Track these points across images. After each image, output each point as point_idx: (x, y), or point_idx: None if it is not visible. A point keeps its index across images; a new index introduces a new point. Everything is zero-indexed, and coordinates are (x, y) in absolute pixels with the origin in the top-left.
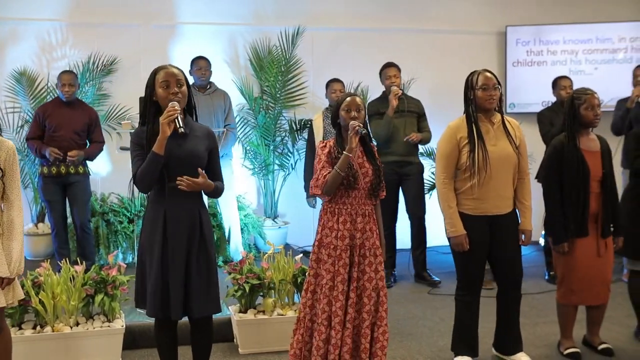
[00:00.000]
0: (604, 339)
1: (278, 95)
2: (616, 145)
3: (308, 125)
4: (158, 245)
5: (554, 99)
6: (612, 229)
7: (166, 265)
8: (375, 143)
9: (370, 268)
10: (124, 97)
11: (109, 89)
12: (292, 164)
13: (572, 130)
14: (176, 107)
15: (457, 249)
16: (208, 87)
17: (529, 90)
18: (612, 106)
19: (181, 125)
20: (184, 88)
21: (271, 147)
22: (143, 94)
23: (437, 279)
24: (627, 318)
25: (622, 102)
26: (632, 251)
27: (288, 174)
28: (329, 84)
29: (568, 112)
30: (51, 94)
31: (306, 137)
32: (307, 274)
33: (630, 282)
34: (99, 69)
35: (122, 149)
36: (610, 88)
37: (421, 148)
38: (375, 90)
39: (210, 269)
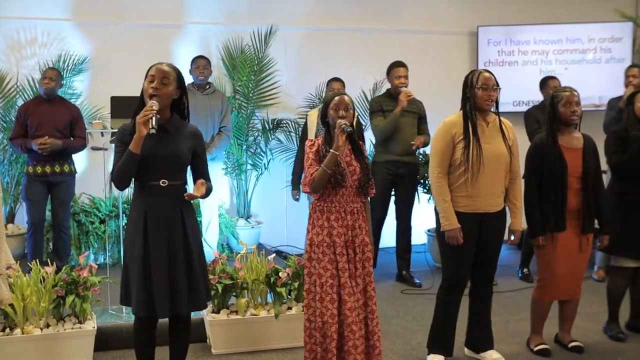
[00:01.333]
0: (574, 335)
1: (251, 95)
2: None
3: (289, 123)
4: (139, 244)
5: (525, 98)
6: (596, 226)
7: (148, 263)
8: (372, 141)
9: (359, 264)
10: (95, 96)
11: (79, 88)
12: (265, 164)
13: (552, 128)
14: (153, 107)
15: (452, 242)
16: (207, 87)
17: (501, 90)
18: (584, 106)
19: (153, 125)
20: (169, 88)
21: (244, 147)
22: (114, 94)
23: (418, 281)
24: (596, 315)
25: (614, 101)
26: (614, 248)
27: (261, 174)
28: (328, 83)
29: (549, 110)
30: (20, 93)
31: (279, 136)
32: (305, 274)
33: (611, 278)
34: (69, 68)
35: (94, 148)
36: (580, 88)
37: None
38: (347, 89)
39: (194, 265)
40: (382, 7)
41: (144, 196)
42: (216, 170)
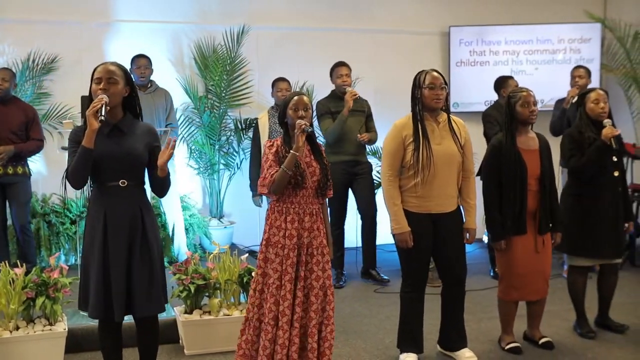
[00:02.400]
0: (544, 333)
1: (223, 94)
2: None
3: (253, 124)
4: (98, 246)
5: (496, 98)
6: (550, 225)
7: (107, 265)
8: (322, 142)
9: (318, 267)
10: (65, 96)
11: (49, 87)
12: (237, 164)
13: (511, 129)
14: (103, 99)
15: (402, 246)
16: (149, 85)
17: (472, 90)
18: (552, 106)
19: (102, 114)
20: (118, 86)
21: (216, 147)
22: (85, 93)
23: (385, 277)
24: (566, 312)
25: (560, 102)
26: (570, 247)
27: (234, 174)
28: (274, 83)
29: (506, 110)
30: None
31: (252, 136)
32: (254, 273)
33: (570, 277)
34: (39, 67)
35: (64, 148)
36: (550, 88)
37: (367, 148)
38: (320, 89)
39: (153, 268)
40: (355, 7)
41: (103, 197)
42: (171, 167)
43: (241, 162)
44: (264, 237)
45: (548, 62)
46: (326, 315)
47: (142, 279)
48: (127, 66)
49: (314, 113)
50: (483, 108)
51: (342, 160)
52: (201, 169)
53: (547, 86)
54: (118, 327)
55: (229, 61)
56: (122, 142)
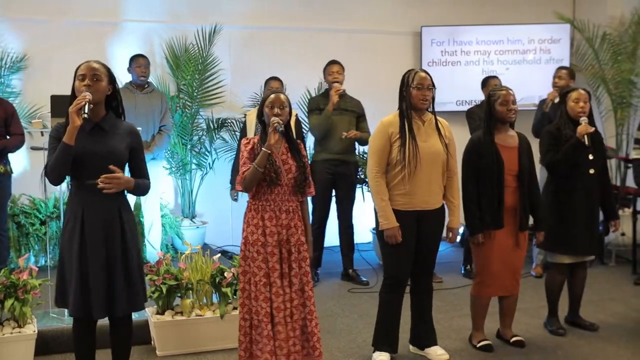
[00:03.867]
0: (515, 330)
1: (195, 94)
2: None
3: (233, 122)
4: (76, 244)
5: (468, 97)
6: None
7: (85, 264)
8: (312, 139)
9: (295, 264)
10: (34, 95)
11: (18, 86)
12: (209, 163)
13: (489, 126)
14: (86, 97)
15: (391, 241)
16: (146, 86)
17: (444, 90)
18: (524, 105)
19: (85, 112)
20: (102, 83)
21: (188, 146)
22: (55, 92)
23: (364, 279)
24: (537, 310)
25: (543, 103)
26: (550, 244)
27: (206, 174)
28: (266, 82)
29: (486, 108)
30: None
31: (224, 136)
32: (239, 272)
33: (548, 275)
34: (7, 65)
35: (33, 148)
36: (520, 88)
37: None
38: (293, 89)
39: (132, 266)
40: (327, 7)
41: (81, 195)
42: (157, 169)
43: (213, 162)
44: (243, 236)
45: (519, 62)
46: (308, 310)
47: (121, 277)
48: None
49: (307, 110)
50: (455, 108)
51: (326, 158)
52: (173, 169)
53: (518, 86)
54: (93, 328)
55: (200, 60)
56: (103, 140)
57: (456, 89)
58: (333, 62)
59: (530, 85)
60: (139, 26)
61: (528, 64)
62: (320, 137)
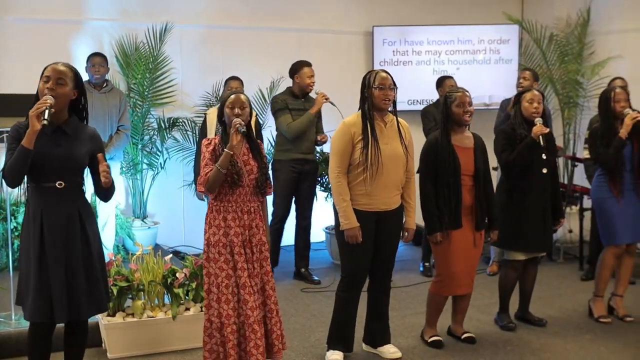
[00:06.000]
0: (467, 326)
1: (146, 93)
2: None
3: (185, 121)
4: (36, 247)
5: (419, 97)
6: (487, 222)
7: (45, 266)
8: (270, 139)
9: (256, 264)
10: None
11: None
12: (161, 163)
13: (446, 127)
14: (47, 100)
15: (351, 241)
16: (104, 85)
17: (397, 90)
18: (475, 105)
19: (45, 117)
20: (66, 88)
21: (139, 146)
22: (1, 92)
23: (317, 278)
24: (487, 307)
25: (506, 102)
26: (504, 242)
27: (157, 173)
28: (226, 82)
29: (442, 110)
30: None
31: (175, 135)
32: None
33: (502, 271)
34: None
35: None
36: (471, 88)
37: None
38: (245, 88)
39: (94, 267)
40: (280, 6)
41: (40, 198)
42: (115, 169)
43: (165, 162)
44: (204, 237)
45: (469, 62)
46: (268, 309)
47: (84, 279)
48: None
49: (264, 111)
50: (406, 107)
51: (293, 158)
52: (124, 169)
53: (468, 85)
54: (51, 332)
55: (151, 59)
56: (64, 144)
57: (408, 88)
58: (308, 64)
59: (481, 84)
60: (88, 24)
61: (478, 63)
62: (295, 138)
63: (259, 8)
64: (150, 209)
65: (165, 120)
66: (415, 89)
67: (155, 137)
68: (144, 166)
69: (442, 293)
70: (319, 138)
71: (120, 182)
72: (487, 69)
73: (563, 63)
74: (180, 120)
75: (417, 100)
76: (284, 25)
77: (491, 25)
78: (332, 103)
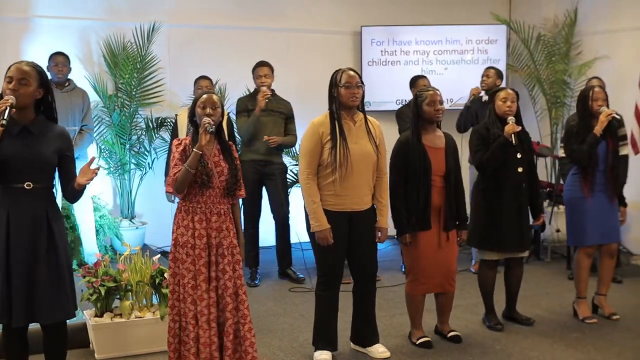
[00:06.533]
0: (454, 326)
1: (134, 93)
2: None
3: (172, 121)
4: (1, 248)
5: (408, 97)
6: (457, 222)
7: (9, 269)
8: (238, 140)
9: (230, 267)
10: None
11: None
12: (149, 163)
13: (417, 126)
14: (8, 100)
15: (322, 243)
16: (66, 84)
17: (384, 89)
18: (461, 105)
19: (4, 117)
20: (29, 88)
21: (127, 146)
22: None
23: (301, 276)
24: (475, 306)
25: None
26: (478, 241)
27: (145, 173)
28: (196, 81)
29: (413, 109)
30: None
31: (163, 135)
32: (166, 274)
33: (479, 271)
34: None
35: None
36: (459, 87)
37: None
38: (233, 88)
39: (60, 273)
40: (268, 6)
41: (7, 198)
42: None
43: (153, 162)
44: (172, 237)
45: (457, 62)
46: (241, 314)
47: (47, 285)
48: (44, 64)
49: (235, 111)
50: (395, 107)
51: (253, 159)
52: (111, 169)
53: (457, 85)
54: (24, 333)
55: (139, 59)
56: (30, 144)
57: (396, 88)
58: (261, 64)
59: (468, 84)
60: (75, 23)
61: (466, 63)
62: (248, 140)
63: (248, 8)
64: (138, 209)
65: (153, 120)
66: (403, 89)
67: (143, 137)
68: (132, 166)
69: (415, 292)
70: (265, 138)
71: (108, 182)
72: (475, 69)
73: (550, 63)
74: (168, 120)
75: (406, 100)
76: (272, 25)
77: (479, 25)
78: (271, 96)
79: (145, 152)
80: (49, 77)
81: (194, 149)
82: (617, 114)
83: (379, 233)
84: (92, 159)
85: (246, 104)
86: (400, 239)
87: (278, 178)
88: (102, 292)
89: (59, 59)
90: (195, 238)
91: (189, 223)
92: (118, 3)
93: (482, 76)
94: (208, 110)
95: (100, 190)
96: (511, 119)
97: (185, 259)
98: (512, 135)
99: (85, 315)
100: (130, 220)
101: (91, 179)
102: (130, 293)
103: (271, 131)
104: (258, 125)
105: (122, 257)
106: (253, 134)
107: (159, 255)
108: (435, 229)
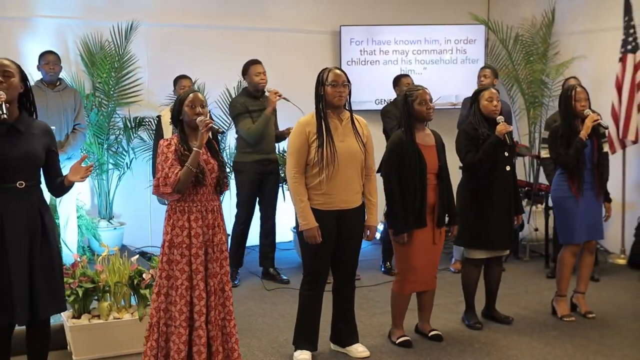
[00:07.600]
0: (434, 325)
1: (111, 92)
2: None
3: (151, 121)
4: None
5: (387, 96)
6: (447, 218)
7: (6, 267)
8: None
9: (216, 263)
10: None
11: None
12: (127, 163)
13: (409, 126)
14: (1, 96)
15: (311, 242)
16: (58, 83)
17: (363, 89)
18: (441, 104)
19: (4, 111)
20: (14, 80)
21: (105, 146)
22: None
23: (285, 277)
24: (455, 305)
25: (467, 100)
26: (467, 240)
27: (123, 174)
28: (176, 81)
29: (403, 108)
30: None
31: (142, 135)
32: (157, 276)
33: (464, 270)
34: None
35: None
36: (438, 87)
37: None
38: (212, 88)
39: (54, 267)
40: (247, 5)
41: (0, 199)
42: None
43: (131, 162)
44: (165, 239)
45: (436, 62)
46: (227, 310)
47: (43, 279)
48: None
49: (231, 113)
50: (374, 106)
51: (256, 159)
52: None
53: (435, 85)
54: (10, 334)
55: (117, 58)
56: (19, 142)
57: (375, 88)
58: (256, 62)
59: (447, 84)
60: (51, 22)
61: (445, 63)
62: (258, 141)
63: (226, 7)
64: (116, 210)
65: (131, 119)
66: (382, 89)
67: (121, 136)
68: (110, 166)
69: (405, 291)
70: (286, 131)
71: (85, 182)
72: (453, 68)
73: (528, 63)
74: (147, 120)
75: (385, 100)
76: (251, 24)
77: (458, 25)
78: (285, 99)
79: (124, 152)
80: (41, 76)
81: (195, 148)
82: (599, 116)
83: (368, 231)
84: (84, 157)
85: (246, 105)
86: (396, 239)
87: (275, 177)
88: (80, 293)
89: (50, 58)
90: (192, 237)
91: (184, 223)
92: (96, 2)
93: (479, 77)
94: (198, 109)
95: (78, 190)
96: (500, 119)
97: (179, 260)
98: (505, 134)
99: (63, 316)
100: (109, 221)
101: (86, 177)
102: (108, 294)
103: (272, 129)
104: (266, 125)
105: (100, 257)
106: (263, 135)
107: (137, 256)
108: (430, 226)
